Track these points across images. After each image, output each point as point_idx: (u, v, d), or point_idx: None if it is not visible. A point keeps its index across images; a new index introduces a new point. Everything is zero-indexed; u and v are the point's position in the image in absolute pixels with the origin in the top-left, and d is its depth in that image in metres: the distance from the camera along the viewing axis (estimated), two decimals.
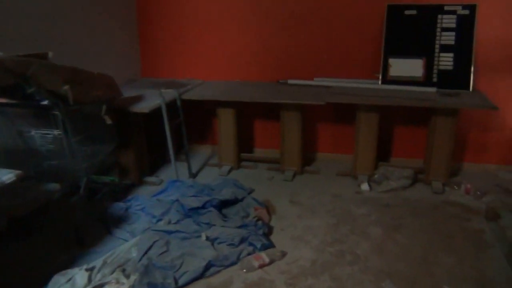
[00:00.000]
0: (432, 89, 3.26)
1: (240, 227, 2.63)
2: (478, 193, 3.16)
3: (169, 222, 2.74)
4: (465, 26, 3.26)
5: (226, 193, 3.05)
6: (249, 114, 3.89)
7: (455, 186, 3.28)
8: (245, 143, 3.90)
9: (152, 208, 2.88)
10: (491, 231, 2.66)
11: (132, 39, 3.94)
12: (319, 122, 3.83)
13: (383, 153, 3.64)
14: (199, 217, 2.76)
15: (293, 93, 3.40)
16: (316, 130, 3.85)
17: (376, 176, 3.38)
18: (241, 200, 3.08)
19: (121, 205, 2.95)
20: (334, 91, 3.35)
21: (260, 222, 2.70)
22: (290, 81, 3.64)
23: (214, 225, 2.66)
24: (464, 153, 3.61)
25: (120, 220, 2.79)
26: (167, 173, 3.56)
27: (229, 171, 3.67)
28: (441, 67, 3.32)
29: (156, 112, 3.11)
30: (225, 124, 3.59)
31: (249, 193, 3.22)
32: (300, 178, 3.54)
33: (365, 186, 3.29)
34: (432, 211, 2.94)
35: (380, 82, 3.44)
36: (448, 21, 3.30)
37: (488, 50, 3.32)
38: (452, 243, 2.57)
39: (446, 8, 3.30)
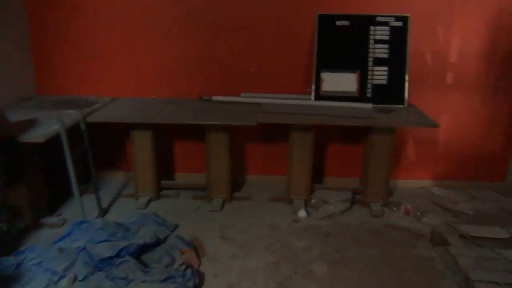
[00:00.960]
0: (368, 105, 3.08)
1: (165, 280, 2.21)
2: (418, 213, 3.03)
3: (75, 280, 2.24)
4: (398, 39, 3.14)
5: (145, 234, 2.60)
6: (169, 135, 3.44)
7: (394, 207, 3.14)
8: (165, 168, 3.45)
9: (52, 262, 2.34)
10: (440, 259, 2.50)
11: (22, 49, 3.30)
12: (248, 142, 3.51)
13: (316, 173, 3.40)
14: (113, 269, 2.29)
15: (219, 112, 3.03)
16: (245, 150, 3.52)
17: (313, 200, 3.14)
18: (164, 240, 2.64)
19: (10, 260, 2.37)
20: (265, 109, 3.04)
21: (189, 271, 2.29)
22: (215, 98, 3.27)
23: (133, 280, 2.20)
24: (397, 169, 3.48)
25: (8, 282, 2.21)
26: (71, 211, 3.00)
27: (148, 203, 3.20)
28: (376, 82, 3.16)
29: (56, 138, 2.56)
30: (141, 148, 3.12)
31: (173, 230, 2.80)
32: (230, 206, 3.18)
33: (302, 213, 3.02)
34: (375, 238, 2.75)
35: (313, 98, 3.18)
36: (381, 33, 3.15)
37: (419, 63, 3.24)
38: (402, 276, 2.38)
39: (378, 19, 3.15)
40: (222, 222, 2.94)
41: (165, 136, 3.42)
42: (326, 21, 3.19)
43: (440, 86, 3.30)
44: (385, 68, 3.17)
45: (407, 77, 3.14)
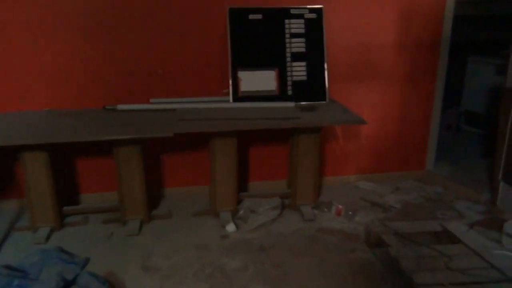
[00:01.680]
0: (291, 104, 2.90)
1: None
2: (350, 213, 2.94)
3: None
4: (315, 32, 2.99)
5: (49, 278, 2.18)
6: (68, 152, 2.97)
7: (325, 209, 3.01)
8: (66, 190, 2.97)
9: None
10: (379, 261, 2.39)
11: None
12: (164, 152, 3.15)
13: (241, 179, 3.16)
14: None
15: (127, 122, 2.65)
16: (160, 160, 3.17)
17: (241, 212, 2.90)
18: (73, 281, 2.23)
19: None
20: (180, 115, 2.73)
21: None
22: (120, 107, 2.87)
23: None
24: (322, 166, 3.37)
25: None
26: None
27: (49, 235, 2.73)
28: (295, 78, 2.99)
29: None
30: (35, 172, 2.63)
31: (83, 267, 2.40)
32: (149, 228, 2.83)
33: (231, 227, 2.76)
34: (311, 246, 2.60)
35: (231, 99, 2.92)
36: (297, 26, 2.98)
37: (337, 57, 3.14)
38: (346, 286, 2.22)
39: (292, 11, 2.98)
40: (142, 248, 2.58)
41: (64, 153, 2.94)
42: (238, 15, 2.94)
43: (358, 78, 3.23)
44: (304, 64, 3.02)
45: (326, 72, 3.00)
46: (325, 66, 3.02)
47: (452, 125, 4.55)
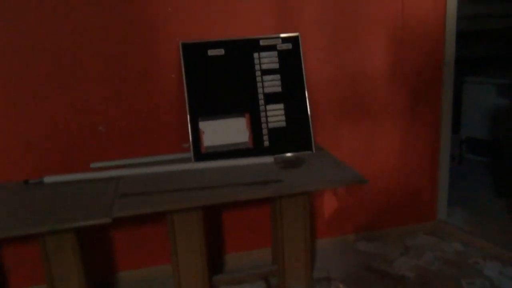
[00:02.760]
0: (269, 159, 2.28)
1: None
2: None
3: None
4: (291, 66, 2.41)
5: None
6: None
7: None
8: None
9: None
10: None
11: None
12: (112, 231, 2.46)
13: (214, 250, 2.50)
14: None
15: (51, 203, 1.99)
16: (108, 242, 2.47)
17: None
18: None
19: None
20: (125, 186, 2.08)
21: None
22: (48, 179, 2.19)
23: None
24: (314, 227, 2.73)
25: None
26: None
27: None
28: (272, 125, 2.38)
29: None
30: None
31: None
32: None
33: None
34: None
35: (193, 158, 2.27)
36: (269, 60, 2.39)
37: (320, 94, 2.59)
38: None
39: (262, 42, 2.38)
40: None
41: None
42: (194, 51, 2.32)
43: (347, 118, 2.64)
44: (281, 106, 2.41)
45: (309, 114, 2.38)
46: (308, 107, 2.40)
47: (454, 156, 3.98)
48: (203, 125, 2.34)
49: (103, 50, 2.28)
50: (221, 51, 2.38)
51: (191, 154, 2.34)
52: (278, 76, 2.43)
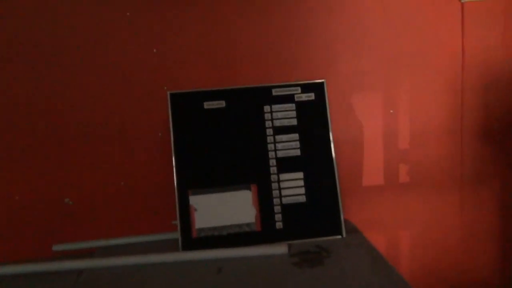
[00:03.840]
0: (281, 249, 1.67)
1: None
2: None
3: None
4: (314, 122, 1.82)
5: None
6: None
7: None
8: None
9: None
10: None
11: None
12: None
13: None
14: None
15: None
16: None
17: None
18: None
19: None
20: (88, 284, 1.50)
21: None
22: None
23: None
24: None
25: None
26: None
27: None
28: (287, 200, 1.77)
29: None
30: None
31: None
32: None
33: None
34: None
35: (180, 245, 1.68)
36: (284, 114, 1.80)
37: (351, 156, 1.98)
38: None
39: (275, 92, 1.80)
40: None
41: None
42: (186, 104, 1.78)
43: (390, 188, 1.97)
44: (300, 175, 1.80)
45: (338, 186, 1.76)
46: (336, 175, 1.78)
47: None
48: (195, 199, 1.77)
49: (65, 102, 1.77)
50: (221, 104, 1.82)
51: (179, 240, 1.75)
52: (296, 136, 1.83)
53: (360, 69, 1.92)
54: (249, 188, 1.80)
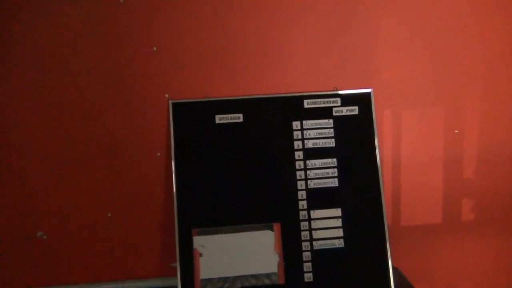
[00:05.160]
0: None
1: None
2: None
3: None
4: (357, 143, 1.39)
5: None
6: None
7: None
8: None
9: None
10: None
11: None
12: None
13: None
14: None
15: None
16: None
17: None
18: None
19: None
20: None
21: None
22: None
23: None
24: None
25: None
26: None
27: None
28: (319, 245, 1.37)
29: None
30: None
31: None
32: None
33: None
34: None
35: None
36: (318, 134, 1.39)
37: (404, 186, 1.55)
38: None
39: (308, 103, 1.40)
40: None
41: None
42: (192, 116, 1.37)
43: (450, 228, 1.53)
44: (337, 212, 1.38)
45: (386, 224, 1.34)
46: (384, 213, 1.36)
47: None
48: (200, 241, 1.36)
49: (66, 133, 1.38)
50: (237, 117, 1.41)
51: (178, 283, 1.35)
52: (333, 161, 1.41)
53: (415, 77, 1.49)
54: (271, 228, 1.39)
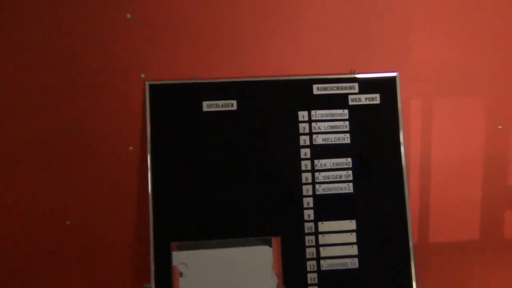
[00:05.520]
0: None
1: None
2: None
3: None
4: (378, 139, 1.07)
5: None
6: None
7: None
8: None
9: None
10: None
11: None
12: None
13: None
14: None
15: None
16: None
17: None
18: None
19: None
20: None
21: None
22: None
23: None
24: None
25: None
26: None
27: None
28: (328, 264, 1.09)
29: None
30: None
31: None
32: None
33: None
34: None
35: None
36: (330, 127, 1.10)
37: (426, 195, 1.22)
38: None
39: (317, 89, 1.11)
40: None
41: None
42: (174, 102, 1.08)
43: (489, 245, 1.26)
44: (351, 225, 1.10)
45: (411, 241, 1.05)
46: (409, 227, 1.08)
47: None
48: (181, 257, 1.09)
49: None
50: (230, 104, 1.13)
51: None
52: (347, 162, 1.14)
53: (451, 60, 1.21)
54: (268, 243, 1.11)
